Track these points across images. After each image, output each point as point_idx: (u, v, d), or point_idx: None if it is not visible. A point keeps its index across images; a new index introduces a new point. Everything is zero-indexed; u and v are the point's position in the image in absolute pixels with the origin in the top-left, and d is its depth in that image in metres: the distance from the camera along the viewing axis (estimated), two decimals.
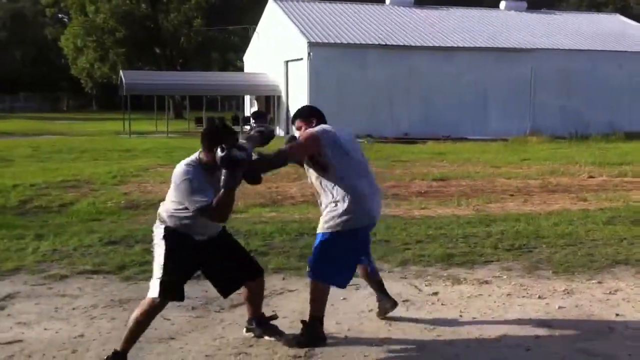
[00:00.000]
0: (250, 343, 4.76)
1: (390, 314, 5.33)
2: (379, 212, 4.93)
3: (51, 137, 28.29)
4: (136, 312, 4.41)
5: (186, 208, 4.27)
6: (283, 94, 32.00)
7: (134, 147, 22.83)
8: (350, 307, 5.51)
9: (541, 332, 5.01)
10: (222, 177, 4.06)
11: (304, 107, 5.21)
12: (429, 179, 14.02)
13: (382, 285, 5.30)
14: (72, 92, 68.32)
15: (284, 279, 6.35)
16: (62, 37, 53.94)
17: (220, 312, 5.41)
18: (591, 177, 14.56)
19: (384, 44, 29.63)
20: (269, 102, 33.99)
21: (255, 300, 4.84)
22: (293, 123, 5.00)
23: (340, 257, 4.72)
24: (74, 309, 5.50)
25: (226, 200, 4.11)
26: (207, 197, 4.14)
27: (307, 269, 4.86)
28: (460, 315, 5.38)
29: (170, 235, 4.39)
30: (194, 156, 4.37)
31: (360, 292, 5.84)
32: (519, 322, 5.23)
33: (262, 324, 4.84)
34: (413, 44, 30.00)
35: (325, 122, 4.88)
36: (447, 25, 32.75)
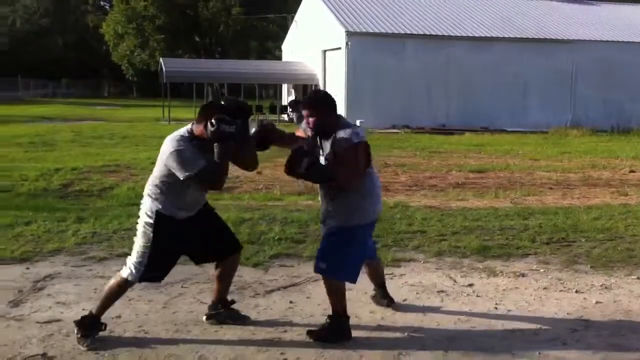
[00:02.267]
0: (284, 329, 4.79)
1: (425, 304, 5.33)
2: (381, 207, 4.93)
3: (92, 123, 28.71)
4: (111, 284, 4.57)
5: (175, 183, 4.31)
6: (320, 83, 31.99)
7: None
8: None
9: (578, 326, 4.96)
10: (215, 150, 4.21)
11: (316, 93, 4.82)
12: (466, 171, 13.91)
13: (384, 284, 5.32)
14: (113, 79, 69.27)
15: None
16: (104, 24, 54.71)
17: (255, 298, 5.45)
18: (632, 171, 14.29)
19: (422, 33, 29.36)
20: (306, 91, 34.02)
21: (226, 279, 4.87)
22: (303, 108, 4.66)
23: (349, 252, 4.59)
24: None
25: (219, 170, 4.28)
26: (199, 166, 4.22)
27: (319, 264, 4.63)
28: (496, 308, 5.34)
29: (159, 223, 4.40)
30: (183, 130, 4.39)
31: (394, 282, 5.85)
32: (555, 316, 5.18)
33: (227, 308, 4.90)
34: (452, 34, 29.67)
35: (336, 112, 4.58)
36: (486, 15, 32.31)
